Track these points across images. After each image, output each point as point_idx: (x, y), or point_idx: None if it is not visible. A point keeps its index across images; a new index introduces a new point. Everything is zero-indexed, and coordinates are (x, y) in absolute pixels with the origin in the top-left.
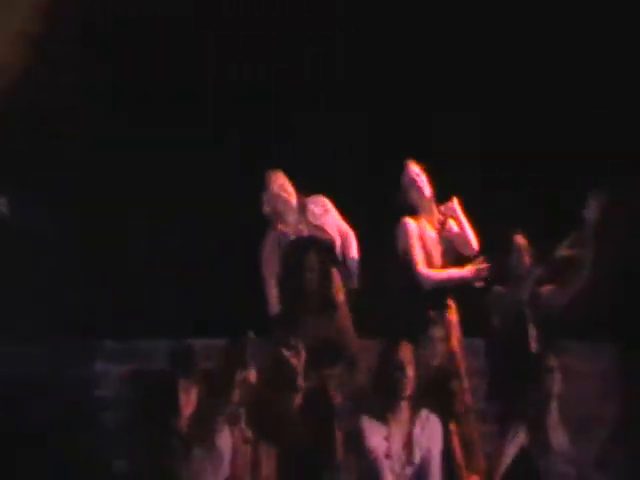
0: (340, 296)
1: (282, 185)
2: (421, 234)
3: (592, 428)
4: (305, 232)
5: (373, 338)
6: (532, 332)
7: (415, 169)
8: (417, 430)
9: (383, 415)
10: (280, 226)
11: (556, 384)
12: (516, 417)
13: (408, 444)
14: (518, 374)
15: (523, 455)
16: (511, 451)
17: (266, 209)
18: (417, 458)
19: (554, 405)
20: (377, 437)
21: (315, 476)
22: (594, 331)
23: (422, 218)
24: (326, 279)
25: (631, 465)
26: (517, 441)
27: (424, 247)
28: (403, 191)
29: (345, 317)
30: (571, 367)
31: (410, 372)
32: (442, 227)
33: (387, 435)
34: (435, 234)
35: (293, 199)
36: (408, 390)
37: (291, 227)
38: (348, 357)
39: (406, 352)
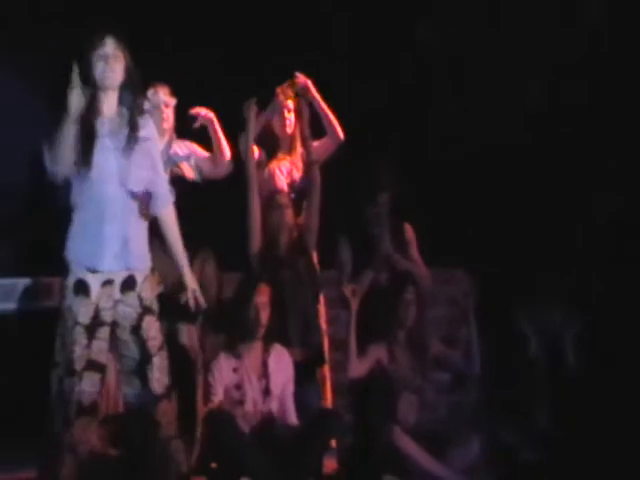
0: None
1: (170, 100)
2: None
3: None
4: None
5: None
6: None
7: None
8: (271, 361)
9: (235, 347)
10: None
11: (410, 315)
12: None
13: (263, 375)
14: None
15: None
16: (364, 364)
17: None
18: (274, 387)
19: (400, 332)
20: (227, 369)
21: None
22: (448, 257)
23: None
24: None
25: (482, 388)
26: (369, 359)
27: None
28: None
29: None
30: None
31: (265, 314)
32: None
33: (236, 367)
34: None
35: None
36: (261, 332)
37: None
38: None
39: (264, 293)
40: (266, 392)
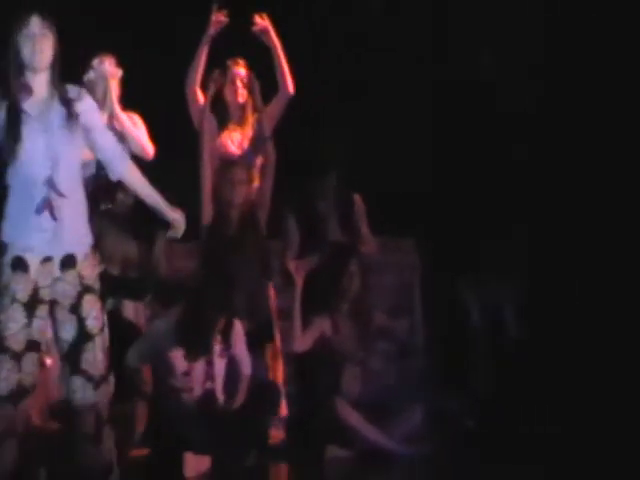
0: None
1: (115, 71)
2: None
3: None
4: None
5: None
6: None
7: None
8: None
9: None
10: None
11: (354, 287)
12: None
13: (209, 361)
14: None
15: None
16: (308, 336)
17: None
18: (219, 370)
19: (344, 304)
20: (178, 358)
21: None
22: (395, 225)
23: None
24: None
25: (425, 357)
26: (313, 332)
27: None
28: None
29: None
30: (373, 261)
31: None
32: None
33: (184, 354)
34: None
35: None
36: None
37: None
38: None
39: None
40: (211, 378)
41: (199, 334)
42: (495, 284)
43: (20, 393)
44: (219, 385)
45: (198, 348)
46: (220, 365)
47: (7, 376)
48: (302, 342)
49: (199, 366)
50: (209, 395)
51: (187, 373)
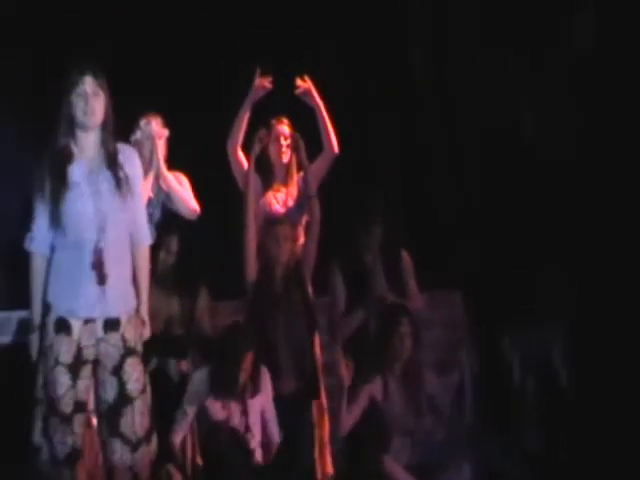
0: None
1: (162, 131)
2: None
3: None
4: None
5: None
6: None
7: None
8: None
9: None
10: None
11: (405, 349)
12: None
13: (244, 411)
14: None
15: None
16: (356, 410)
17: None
18: (254, 423)
19: (396, 365)
20: (216, 406)
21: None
22: (443, 279)
23: None
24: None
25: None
26: (361, 403)
27: None
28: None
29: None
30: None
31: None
32: None
33: (223, 404)
34: None
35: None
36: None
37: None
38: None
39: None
40: (247, 428)
41: (227, 376)
42: (539, 337)
43: (75, 455)
44: (256, 438)
45: (228, 390)
46: (255, 416)
47: (61, 439)
48: (349, 420)
49: (235, 416)
50: (246, 448)
51: (224, 406)
